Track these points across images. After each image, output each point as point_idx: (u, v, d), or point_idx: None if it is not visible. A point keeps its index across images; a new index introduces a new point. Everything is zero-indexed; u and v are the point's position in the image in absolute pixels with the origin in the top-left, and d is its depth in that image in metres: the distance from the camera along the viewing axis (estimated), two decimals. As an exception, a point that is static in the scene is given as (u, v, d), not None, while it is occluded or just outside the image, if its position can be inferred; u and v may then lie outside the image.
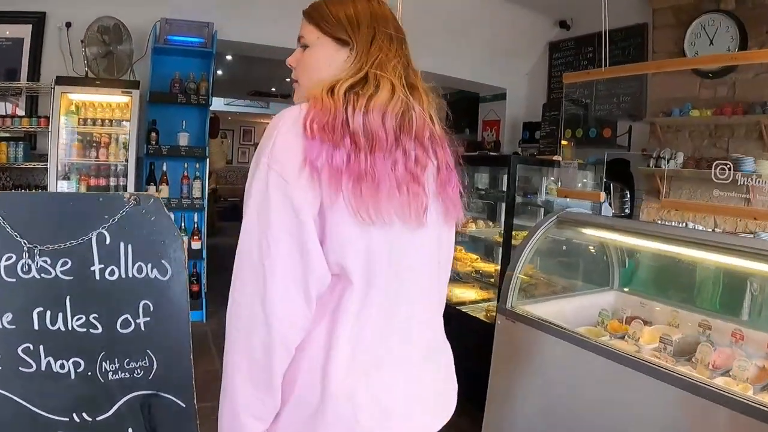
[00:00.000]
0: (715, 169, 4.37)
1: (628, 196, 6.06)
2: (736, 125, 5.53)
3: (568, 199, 4.87)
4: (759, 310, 4.01)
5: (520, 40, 7.60)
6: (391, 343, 1.36)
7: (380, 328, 1.33)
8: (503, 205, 5.49)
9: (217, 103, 11.11)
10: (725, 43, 5.62)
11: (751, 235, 5.16)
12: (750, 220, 5.27)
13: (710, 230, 5.37)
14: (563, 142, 6.36)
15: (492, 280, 4.92)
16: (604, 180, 5.30)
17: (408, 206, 1.29)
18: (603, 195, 4.15)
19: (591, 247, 4.70)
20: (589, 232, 4.03)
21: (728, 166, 4.54)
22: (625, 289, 4.29)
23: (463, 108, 8.86)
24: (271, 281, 1.17)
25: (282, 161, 1.18)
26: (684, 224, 5.40)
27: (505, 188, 5.29)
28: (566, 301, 4.03)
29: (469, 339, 4.60)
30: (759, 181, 4.60)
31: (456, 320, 4.80)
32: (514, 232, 4.75)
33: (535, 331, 3.24)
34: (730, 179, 4.57)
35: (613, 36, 6.17)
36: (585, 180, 5.51)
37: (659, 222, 5.80)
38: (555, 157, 6.07)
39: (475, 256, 5.30)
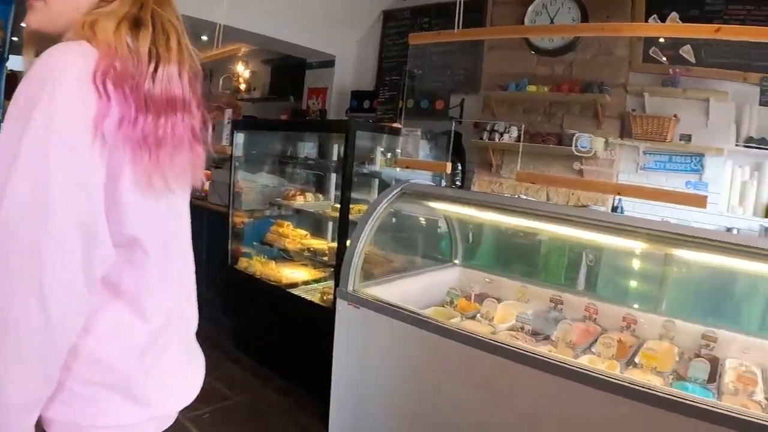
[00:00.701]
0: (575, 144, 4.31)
1: (460, 168, 6.06)
2: (572, 103, 5.67)
3: (398, 170, 4.65)
4: (606, 282, 4.10)
5: (353, 6, 7.29)
6: (178, 320, 1.33)
7: (173, 301, 1.30)
8: (334, 176, 5.23)
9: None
10: (566, 23, 5.69)
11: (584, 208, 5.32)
12: (582, 193, 5.41)
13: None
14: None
15: (326, 258, 4.60)
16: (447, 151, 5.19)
17: (192, 171, 1.23)
18: (449, 165, 3.93)
19: (434, 222, 4.53)
20: (435, 205, 3.81)
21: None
22: (471, 265, 4.15)
23: (288, 74, 8.52)
24: (51, 270, 0.98)
25: (65, 122, 0.99)
26: (518, 197, 5.47)
27: (336, 158, 5.05)
28: (412, 280, 3.80)
29: (305, 325, 4.24)
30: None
31: (288, 305, 4.46)
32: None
33: (382, 316, 3.00)
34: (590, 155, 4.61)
35: (450, 10, 6.04)
36: (420, 151, 5.35)
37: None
38: (396, 124, 5.85)
39: (304, 232, 4.98)
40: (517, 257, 4.40)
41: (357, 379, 3.23)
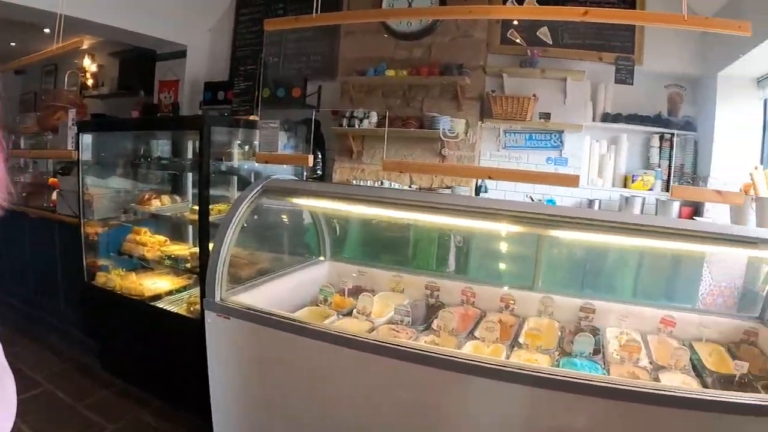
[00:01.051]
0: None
1: (320, 157, 5.86)
2: (432, 86, 5.61)
3: (257, 165, 4.34)
4: (479, 264, 4.00)
5: (204, -8, 6.86)
6: None
7: None
8: (190, 176, 4.77)
9: None
10: (424, 7, 5.64)
11: (449, 190, 5.25)
12: (445, 177, 5.35)
13: (409, 188, 5.34)
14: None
15: (189, 264, 4.25)
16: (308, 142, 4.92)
17: None
18: (311, 158, 3.67)
19: (299, 217, 4.26)
20: (298, 200, 3.53)
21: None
22: (341, 258, 3.92)
23: (138, 67, 7.96)
24: None
25: None
26: (380, 183, 5.30)
27: (191, 155, 4.62)
28: (283, 280, 3.50)
29: (174, 341, 3.79)
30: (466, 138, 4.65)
31: (154, 320, 4.01)
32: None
33: (254, 325, 2.74)
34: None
35: (305, -6, 5.77)
36: (283, 142, 5.05)
37: (355, 183, 5.65)
38: (252, 117, 5.51)
39: (163, 238, 4.54)
40: (387, 247, 4.23)
41: (239, 392, 2.89)
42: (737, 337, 2.90)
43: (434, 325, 2.77)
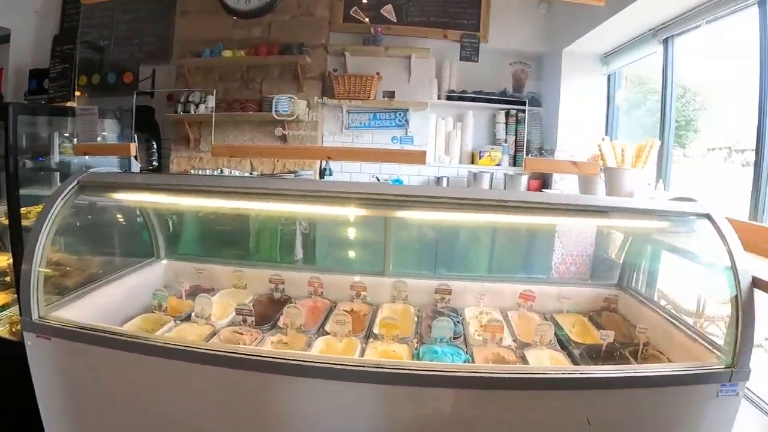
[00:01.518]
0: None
1: (155, 146, 5.36)
2: (272, 66, 5.28)
3: (87, 157, 3.82)
4: (326, 252, 3.71)
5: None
6: None
7: None
8: (3, 175, 4.15)
9: None
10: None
11: (292, 176, 4.93)
12: (287, 161, 5.04)
13: (250, 174, 4.99)
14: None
15: (8, 278, 3.61)
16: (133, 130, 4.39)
17: None
18: (134, 147, 3.22)
19: (127, 213, 3.75)
20: (122, 195, 3.05)
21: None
22: (177, 257, 3.47)
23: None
24: None
25: None
26: (219, 171, 4.88)
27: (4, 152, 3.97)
28: (114, 286, 2.97)
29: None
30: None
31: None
32: (26, 209, 3.47)
33: (80, 345, 2.24)
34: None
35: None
36: (106, 133, 4.50)
37: (193, 172, 5.19)
38: (69, 103, 4.87)
39: (-22, 250, 3.83)
40: (227, 240, 3.82)
41: (73, 422, 2.39)
42: (598, 305, 2.83)
43: (281, 323, 2.44)
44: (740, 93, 3.38)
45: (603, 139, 3.65)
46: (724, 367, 1.99)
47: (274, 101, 4.67)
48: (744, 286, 1.98)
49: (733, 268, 2.01)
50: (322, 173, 5.09)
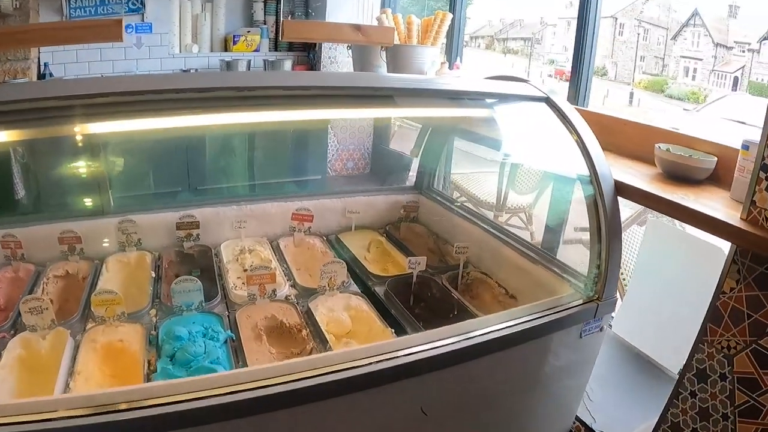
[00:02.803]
0: None
1: None
2: None
3: None
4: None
5: None
6: None
7: None
8: None
9: None
10: None
11: None
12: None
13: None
14: None
15: None
16: None
17: None
18: None
19: None
20: None
21: None
22: None
23: None
24: None
25: None
26: None
27: None
28: None
29: None
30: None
31: None
32: None
33: None
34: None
35: None
36: None
37: None
38: None
39: None
40: None
41: None
42: (394, 215, 2.31)
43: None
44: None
45: (383, 12, 3.12)
46: (586, 301, 1.54)
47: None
48: (607, 191, 1.52)
49: (591, 169, 1.55)
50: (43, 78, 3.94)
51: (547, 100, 1.70)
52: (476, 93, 1.68)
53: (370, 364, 1.24)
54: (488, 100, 1.74)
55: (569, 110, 1.68)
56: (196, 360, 1.37)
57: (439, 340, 1.34)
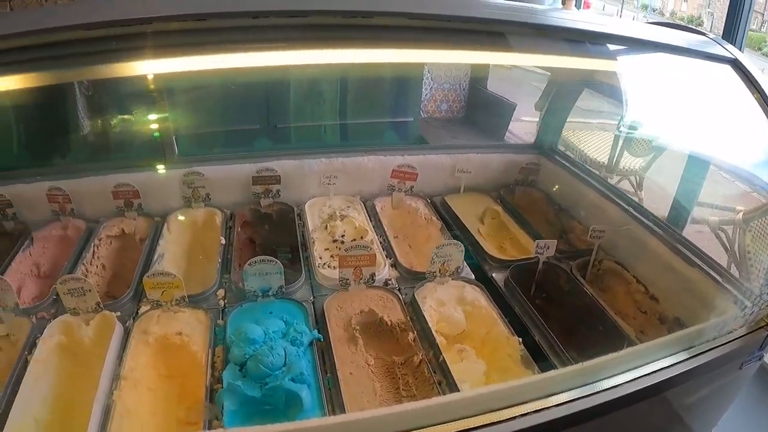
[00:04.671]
0: None
1: None
2: None
3: None
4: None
5: None
6: None
7: None
8: None
9: None
10: None
11: None
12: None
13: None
14: None
15: None
16: None
17: None
18: None
19: None
20: None
21: None
22: None
23: None
24: None
25: None
26: None
27: None
28: None
29: None
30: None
31: None
32: None
33: None
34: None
35: None
36: None
37: None
38: None
39: None
40: None
41: None
42: (509, 178, 1.90)
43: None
44: None
45: None
46: (755, 328, 1.15)
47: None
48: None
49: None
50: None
51: (734, 63, 1.24)
52: (643, 42, 1.23)
53: (513, 418, 0.86)
54: (649, 54, 1.30)
55: (761, 78, 1.23)
56: (273, 376, 1.03)
57: (595, 381, 0.95)
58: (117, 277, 1.56)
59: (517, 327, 1.24)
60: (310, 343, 1.14)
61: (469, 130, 3.86)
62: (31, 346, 1.19)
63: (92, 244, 1.57)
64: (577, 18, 1.20)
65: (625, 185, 3.16)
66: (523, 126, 3.48)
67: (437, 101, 3.91)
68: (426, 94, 3.85)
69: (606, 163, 3.05)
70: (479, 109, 3.84)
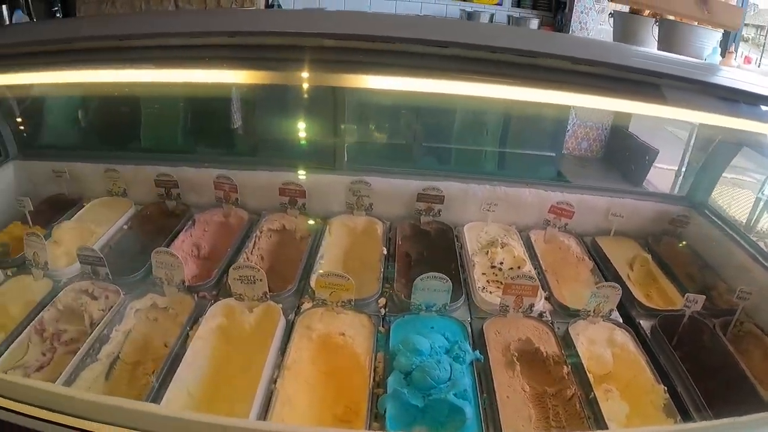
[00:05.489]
0: None
1: None
2: None
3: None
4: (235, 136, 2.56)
5: None
6: None
7: None
8: None
9: None
10: None
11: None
12: None
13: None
14: None
15: None
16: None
17: None
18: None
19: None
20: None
21: None
22: (34, 154, 2.36)
23: None
24: None
25: None
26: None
27: None
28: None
29: None
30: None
31: None
32: None
33: None
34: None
35: None
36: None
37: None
38: None
39: None
40: (101, 126, 2.63)
41: None
42: (658, 226, 1.89)
43: (156, 272, 1.43)
44: None
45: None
46: None
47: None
48: None
49: None
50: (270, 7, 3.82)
51: None
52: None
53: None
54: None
55: None
56: (438, 389, 1.08)
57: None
58: (273, 270, 1.65)
59: (661, 376, 1.24)
60: (471, 363, 1.19)
61: (606, 172, 3.78)
62: (194, 322, 1.31)
63: (254, 235, 1.68)
64: (746, 79, 1.17)
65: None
66: (659, 173, 3.39)
67: (578, 138, 3.87)
68: (568, 131, 3.83)
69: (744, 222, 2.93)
70: (619, 151, 3.76)
